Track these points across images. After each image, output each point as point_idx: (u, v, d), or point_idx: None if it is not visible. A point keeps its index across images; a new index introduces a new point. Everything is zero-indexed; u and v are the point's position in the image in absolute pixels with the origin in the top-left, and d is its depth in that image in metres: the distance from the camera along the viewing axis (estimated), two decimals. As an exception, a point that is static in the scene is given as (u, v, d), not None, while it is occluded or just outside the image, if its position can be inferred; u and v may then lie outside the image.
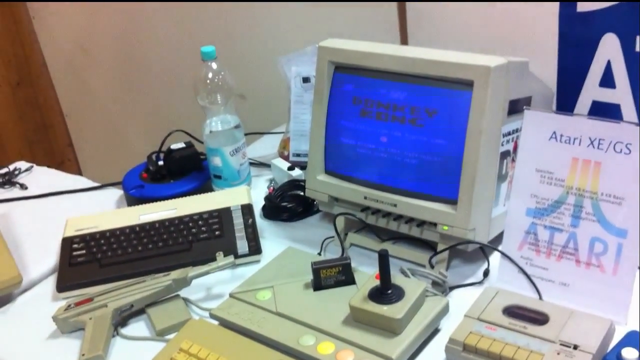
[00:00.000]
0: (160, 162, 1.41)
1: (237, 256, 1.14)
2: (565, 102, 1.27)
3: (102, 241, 1.20)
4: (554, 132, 0.97)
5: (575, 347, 0.85)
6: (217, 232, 1.20)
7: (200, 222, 1.22)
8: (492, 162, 1.03)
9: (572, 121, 0.95)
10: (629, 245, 0.93)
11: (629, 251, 0.93)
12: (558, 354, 0.84)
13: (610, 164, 0.93)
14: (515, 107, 1.04)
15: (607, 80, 1.21)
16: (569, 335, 0.87)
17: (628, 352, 0.84)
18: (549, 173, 0.98)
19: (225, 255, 1.10)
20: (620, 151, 0.92)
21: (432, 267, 1.07)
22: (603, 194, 0.94)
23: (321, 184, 1.16)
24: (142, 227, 1.22)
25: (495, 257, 1.07)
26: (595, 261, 0.96)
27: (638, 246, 0.92)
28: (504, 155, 1.05)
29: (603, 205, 0.94)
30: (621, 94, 1.20)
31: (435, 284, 1.04)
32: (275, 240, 1.23)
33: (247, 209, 1.25)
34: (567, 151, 0.96)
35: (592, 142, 0.94)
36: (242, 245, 1.17)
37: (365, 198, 1.10)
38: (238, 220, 1.22)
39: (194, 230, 1.21)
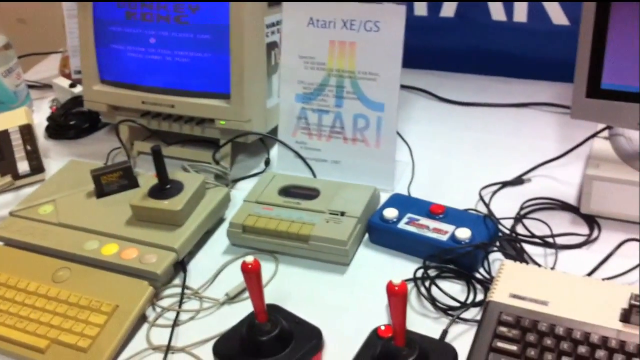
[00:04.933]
0: None
1: (18, 177, 1.11)
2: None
3: None
4: (311, 18, 1.01)
5: (343, 214, 0.92)
6: (-5, 156, 1.15)
7: (-24, 148, 1.17)
8: (259, 53, 1.06)
9: (325, 6, 1.00)
10: (387, 118, 1.01)
11: (387, 123, 1.01)
12: (327, 222, 0.91)
13: (363, 42, 0.99)
14: (277, -2, 1.07)
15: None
16: (336, 205, 0.94)
17: (388, 212, 0.92)
18: (311, 58, 1.03)
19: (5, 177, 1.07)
20: (370, 29, 0.98)
21: (217, 163, 1.10)
22: (360, 72, 1.00)
23: (98, 94, 1.14)
24: None
25: (276, 147, 1.12)
26: (360, 137, 1.03)
27: (394, 118, 1.00)
28: (271, 46, 1.08)
29: (361, 82, 1.01)
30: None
31: (219, 177, 1.07)
32: (62, 158, 1.20)
33: (26, 130, 1.20)
34: (324, 35, 1.01)
35: (345, 24, 1.00)
36: (23, 166, 1.13)
37: (143, 102, 1.10)
38: (17, 142, 1.18)
39: (-31, 157, 1.15)
